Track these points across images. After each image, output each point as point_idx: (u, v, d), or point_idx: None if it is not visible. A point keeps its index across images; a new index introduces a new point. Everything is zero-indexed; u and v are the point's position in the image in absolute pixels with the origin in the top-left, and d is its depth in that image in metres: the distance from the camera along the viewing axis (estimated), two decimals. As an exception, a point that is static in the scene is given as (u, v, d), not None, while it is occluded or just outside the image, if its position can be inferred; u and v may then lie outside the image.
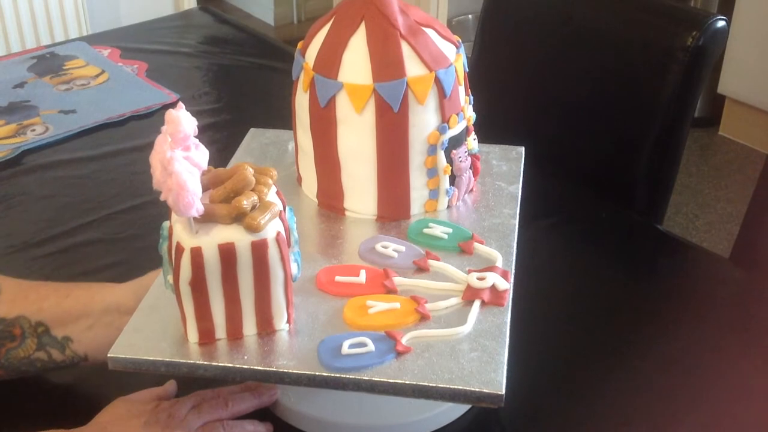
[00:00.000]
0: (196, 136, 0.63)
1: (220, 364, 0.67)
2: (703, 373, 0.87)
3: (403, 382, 0.65)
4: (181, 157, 0.61)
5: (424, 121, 0.79)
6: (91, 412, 0.75)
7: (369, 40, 0.78)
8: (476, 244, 0.78)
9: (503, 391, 0.63)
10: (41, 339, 0.78)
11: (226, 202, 0.65)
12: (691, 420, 0.82)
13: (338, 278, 0.74)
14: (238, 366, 0.67)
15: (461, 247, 0.78)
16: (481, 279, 0.73)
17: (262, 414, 0.78)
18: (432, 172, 0.81)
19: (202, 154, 0.64)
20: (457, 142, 0.82)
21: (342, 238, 0.82)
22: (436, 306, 0.71)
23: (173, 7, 2.89)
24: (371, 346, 0.67)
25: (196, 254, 0.64)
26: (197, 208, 0.62)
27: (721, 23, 1.19)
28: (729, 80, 2.88)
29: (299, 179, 0.89)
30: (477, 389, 0.64)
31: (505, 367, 0.65)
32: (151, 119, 1.36)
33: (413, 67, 0.78)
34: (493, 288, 0.72)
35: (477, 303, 0.71)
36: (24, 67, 1.52)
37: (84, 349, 0.79)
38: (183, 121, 0.61)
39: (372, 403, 0.79)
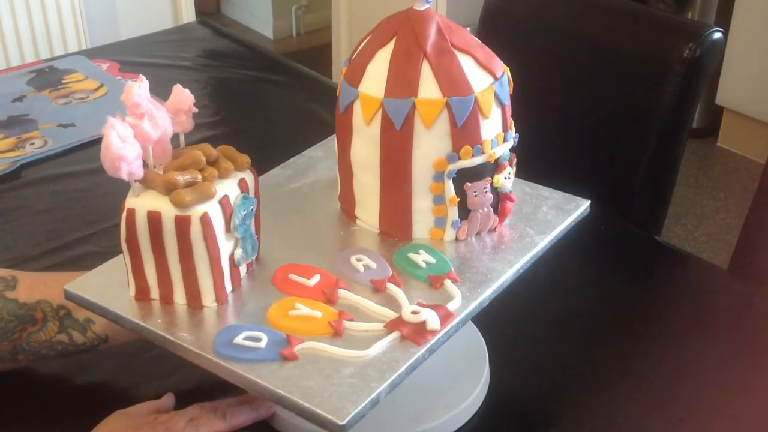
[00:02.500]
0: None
1: (133, 320, 0.72)
2: (701, 382, 0.87)
3: (263, 384, 0.65)
4: (117, 124, 0.66)
5: (429, 145, 0.76)
6: (89, 425, 0.75)
7: (393, 55, 0.77)
8: (447, 281, 0.75)
9: (344, 422, 0.61)
10: (63, 321, 0.80)
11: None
12: (689, 428, 0.82)
13: (291, 276, 0.76)
14: (145, 326, 0.71)
15: (430, 280, 0.75)
16: (414, 313, 0.70)
17: (260, 427, 0.78)
18: (438, 200, 0.79)
19: (154, 126, 0.69)
20: (473, 175, 0.78)
21: (333, 243, 0.82)
22: (356, 326, 0.70)
23: (172, 21, 2.90)
24: (263, 344, 0.68)
25: (130, 215, 0.70)
26: (127, 172, 0.67)
27: (717, 35, 1.20)
28: (727, 91, 2.89)
29: None
30: (321, 412, 0.62)
31: (368, 402, 0.63)
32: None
33: (427, 89, 0.75)
34: (420, 325, 0.69)
35: (394, 335, 0.69)
36: (23, 81, 1.52)
37: (104, 331, 0.80)
38: (134, 91, 0.68)
39: (371, 414, 0.79)
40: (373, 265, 0.78)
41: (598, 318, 0.97)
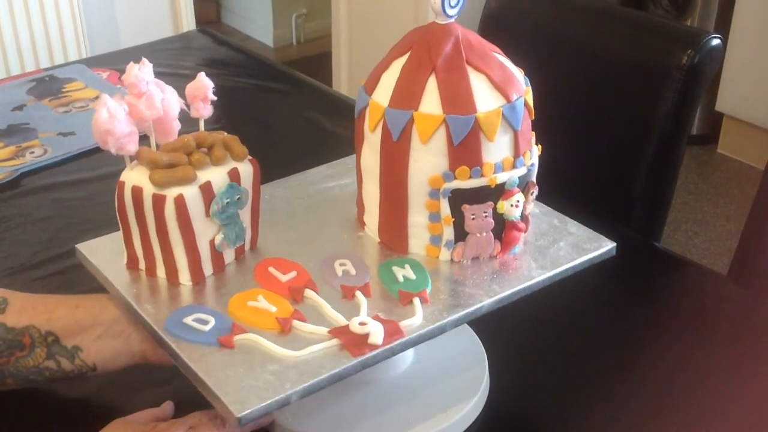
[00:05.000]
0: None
1: (113, 284, 0.77)
2: (701, 389, 0.87)
3: (189, 364, 0.67)
4: (109, 100, 0.71)
5: (425, 160, 0.75)
6: (88, 433, 0.75)
7: (404, 66, 0.76)
8: (415, 299, 0.74)
9: (239, 415, 0.62)
10: (51, 348, 0.79)
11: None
12: (691, 438, 0.82)
13: (270, 269, 0.78)
14: (119, 291, 0.76)
15: (400, 295, 0.74)
16: (362, 324, 0.70)
17: (260, 435, 0.78)
18: (434, 217, 0.77)
19: (149, 107, 0.73)
20: (471, 197, 0.76)
21: (330, 245, 0.82)
22: (303, 327, 0.71)
23: (172, 30, 2.90)
24: (207, 327, 0.70)
25: (120, 187, 0.75)
26: (115, 146, 0.72)
27: (716, 41, 1.20)
28: (727, 98, 2.90)
29: None
30: (224, 401, 0.64)
31: (273, 402, 0.64)
32: (149, 140, 1.36)
33: (428, 104, 0.74)
34: (361, 337, 0.69)
35: (333, 342, 0.69)
36: (23, 90, 1.53)
37: (93, 359, 0.80)
38: (133, 72, 0.73)
39: (371, 422, 0.79)
40: (353, 272, 0.78)
41: (597, 324, 0.97)
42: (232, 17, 4.34)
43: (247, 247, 0.81)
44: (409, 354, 0.85)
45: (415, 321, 0.72)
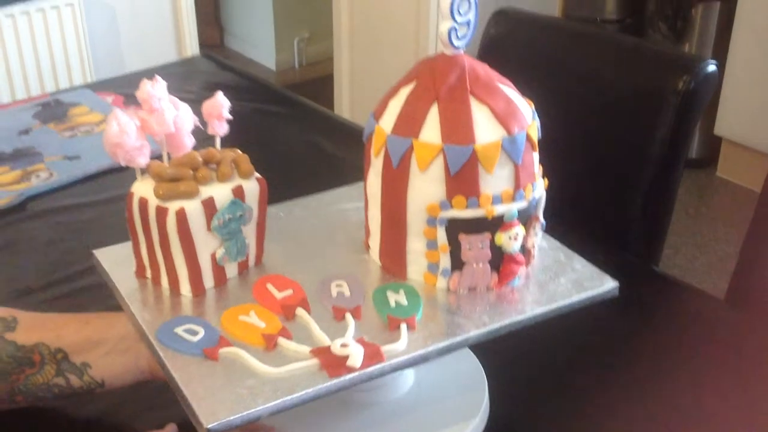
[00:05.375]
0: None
1: (120, 291, 0.79)
2: (698, 411, 0.88)
3: (171, 372, 0.69)
4: (120, 115, 0.76)
5: (423, 188, 0.75)
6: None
7: (410, 94, 0.77)
8: (402, 325, 0.73)
9: (207, 426, 0.64)
10: (60, 365, 0.80)
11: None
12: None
13: (268, 285, 0.79)
14: (124, 298, 0.78)
15: (388, 320, 0.74)
16: (343, 346, 0.70)
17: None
18: (431, 244, 0.77)
19: (159, 123, 0.76)
20: (468, 227, 0.75)
21: (332, 266, 0.83)
22: (288, 345, 0.72)
23: (176, 54, 2.93)
24: (196, 338, 0.72)
25: (130, 198, 0.78)
26: (124, 159, 0.76)
27: (711, 67, 1.22)
28: (725, 122, 2.91)
29: None
30: (196, 411, 0.65)
31: (243, 416, 0.64)
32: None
33: (428, 132, 0.74)
34: (341, 359, 0.69)
35: (314, 361, 0.70)
36: (29, 114, 1.54)
37: (101, 375, 0.81)
38: (145, 88, 0.77)
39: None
40: (348, 293, 0.78)
41: (597, 348, 0.98)
42: (235, 41, 4.37)
43: (251, 262, 0.83)
44: (410, 377, 0.86)
45: (398, 347, 0.71)
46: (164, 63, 1.95)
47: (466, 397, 0.86)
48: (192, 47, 2.95)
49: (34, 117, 1.53)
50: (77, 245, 1.18)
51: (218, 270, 0.79)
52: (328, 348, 0.71)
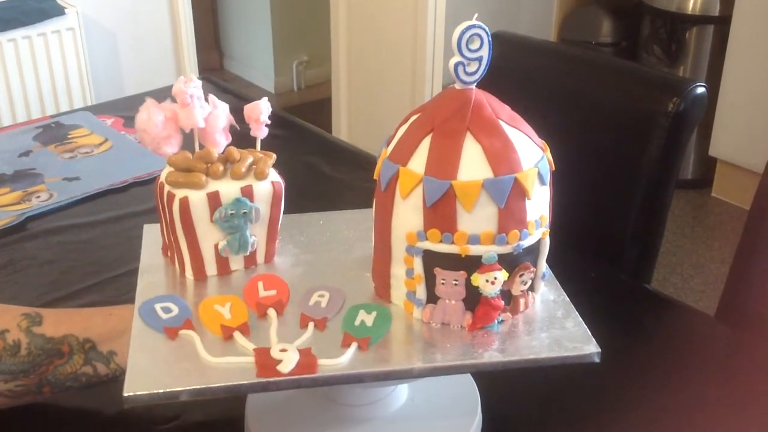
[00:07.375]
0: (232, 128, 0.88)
1: (141, 263, 0.86)
2: (691, 426, 0.89)
3: (130, 340, 0.74)
4: (152, 106, 0.81)
5: (404, 215, 0.75)
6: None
7: (414, 121, 0.77)
8: (354, 344, 0.74)
9: (126, 395, 0.68)
10: (88, 354, 0.84)
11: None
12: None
13: (258, 283, 0.82)
14: (139, 271, 0.84)
15: (343, 336, 0.75)
16: (282, 351, 0.72)
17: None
18: (409, 272, 0.76)
19: (188, 117, 0.82)
20: (444, 261, 0.74)
21: (331, 278, 0.84)
22: (241, 340, 0.74)
23: (176, 77, 2.95)
24: (166, 317, 0.76)
25: (156, 182, 0.83)
26: (151, 146, 0.81)
27: (700, 90, 1.24)
28: (720, 143, 2.94)
29: None
30: (126, 381, 0.69)
31: (161, 394, 0.69)
32: (153, 185, 1.39)
33: (415, 162, 0.74)
34: (274, 361, 0.71)
35: (250, 359, 0.72)
36: (30, 136, 1.56)
37: (126, 362, 0.82)
38: (179, 85, 0.81)
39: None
40: (324, 305, 0.79)
41: (590, 365, 0.99)
42: (235, 65, 4.41)
43: (260, 259, 0.86)
44: (404, 392, 0.87)
45: (339, 363, 0.72)
46: (164, 86, 1.97)
47: (460, 412, 0.86)
48: (192, 70, 2.98)
49: (35, 139, 1.55)
50: (77, 265, 1.19)
51: (221, 260, 0.83)
52: (269, 350, 0.73)
